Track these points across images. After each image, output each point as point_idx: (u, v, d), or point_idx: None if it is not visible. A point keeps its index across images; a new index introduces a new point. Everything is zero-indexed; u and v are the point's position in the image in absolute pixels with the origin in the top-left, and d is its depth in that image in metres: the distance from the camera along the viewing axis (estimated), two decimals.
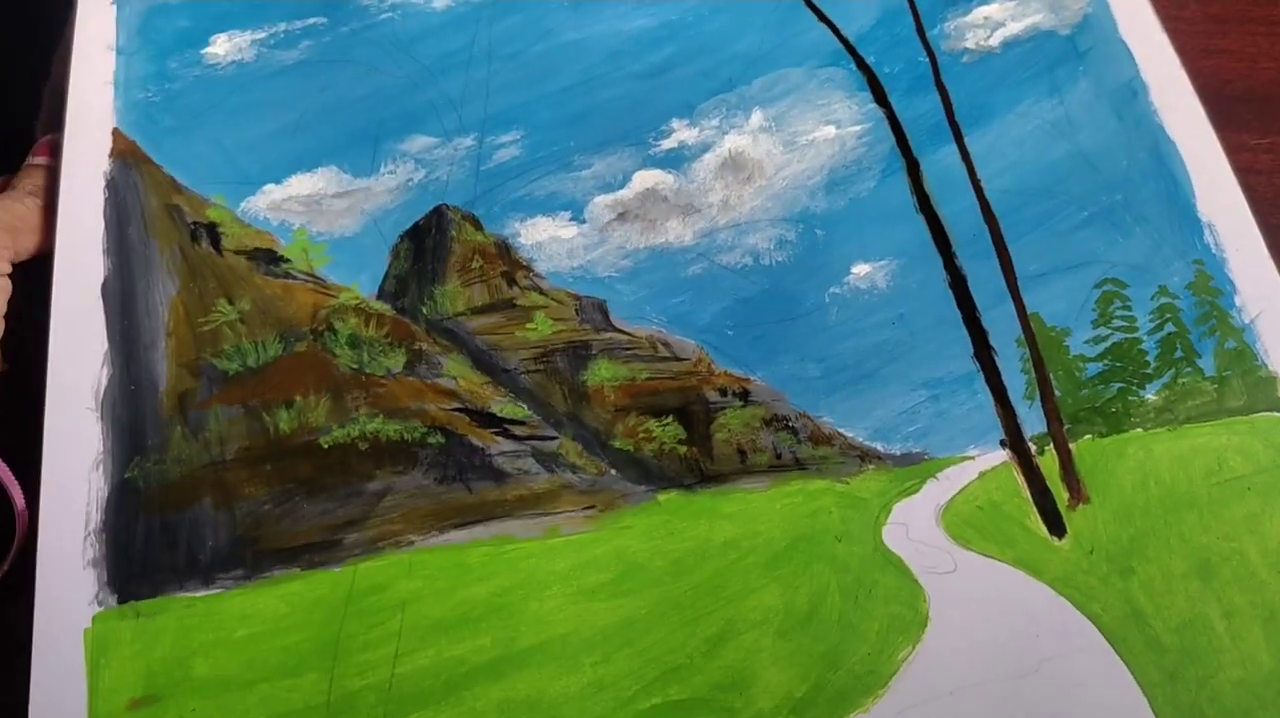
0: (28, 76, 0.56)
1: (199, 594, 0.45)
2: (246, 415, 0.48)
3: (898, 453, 0.49)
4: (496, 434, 0.49)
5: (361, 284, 0.52)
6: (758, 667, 0.45)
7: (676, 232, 0.54)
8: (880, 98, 0.58)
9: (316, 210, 0.53)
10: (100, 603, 0.44)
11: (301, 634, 0.45)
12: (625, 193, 0.55)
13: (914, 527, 0.48)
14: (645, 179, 0.55)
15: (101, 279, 0.50)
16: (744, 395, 0.50)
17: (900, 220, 0.55)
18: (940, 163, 0.56)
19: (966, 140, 0.57)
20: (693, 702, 0.44)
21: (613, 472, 0.49)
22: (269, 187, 0.54)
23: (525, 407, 0.50)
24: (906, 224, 0.55)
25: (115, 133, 0.53)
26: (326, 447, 0.48)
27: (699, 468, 0.49)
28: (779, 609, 0.46)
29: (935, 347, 0.52)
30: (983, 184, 0.56)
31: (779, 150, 0.56)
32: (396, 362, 0.50)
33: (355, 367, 0.50)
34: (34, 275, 0.49)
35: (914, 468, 0.49)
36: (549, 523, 0.47)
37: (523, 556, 0.47)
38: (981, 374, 0.51)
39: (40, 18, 0.57)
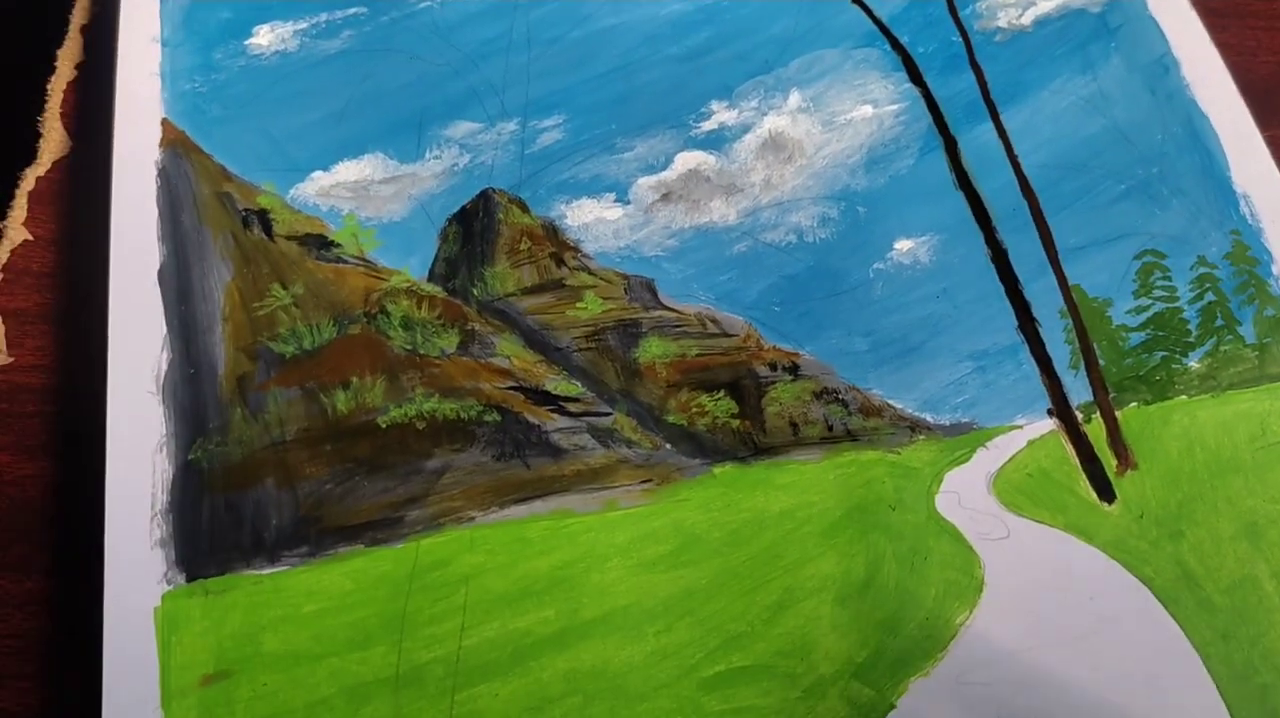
0: (29, 71, 0.57)
1: (265, 572, 0.46)
2: (304, 397, 0.49)
3: (947, 423, 0.50)
4: (552, 411, 0.49)
5: (412, 267, 0.53)
6: (818, 634, 0.46)
7: (720, 211, 0.55)
8: (916, 77, 0.59)
9: (364, 196, 0.54)
10: (169, 582, 0.45)
11: (368, 610, 0.45)
12: (668, 174, 0.56)
13: (966, 495, 0.49)
14: (687, 160, 0.56)
15: (158, 266, 0.51)
16: (793, 370, 0.51)
17: (940, 196, 0.55)
18: (977, 140, 0.57)
19: (1002, 117, 0.57)
20: (756, 668, 0.45)
21: (668, 446, 0.49)
22: (317, 173, 0.55)
23: (579, 384, 0.50)
24: (947, 200, 0.55)
25: (164, 123, 0.54)
26: (384, 426, 0.48)
27: (752, 441, 0.49)
28: (836, 577, 0.47)
29: (979, 319, 0.52)
30: (1020, 160, 0.56)
31: (818, 130, 0.57)
32: (450, 342, 0.51)
33: (409, 348, 0.50)
34: (89, 263, 0.50)
35: (963, 438, 0.50)
36: (607, 497, 0.48)
37: (582, 529, 0.47)
38: (1026, 345, 0.52)
39: (41, 13, 0.57)
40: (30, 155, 0.54)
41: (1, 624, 0.45)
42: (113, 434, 0.47)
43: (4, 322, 0.49)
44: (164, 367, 0.49)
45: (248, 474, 0.47)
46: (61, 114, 0.54)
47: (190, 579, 0.45)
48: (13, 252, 0.51)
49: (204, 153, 0.54)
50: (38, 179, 0.53)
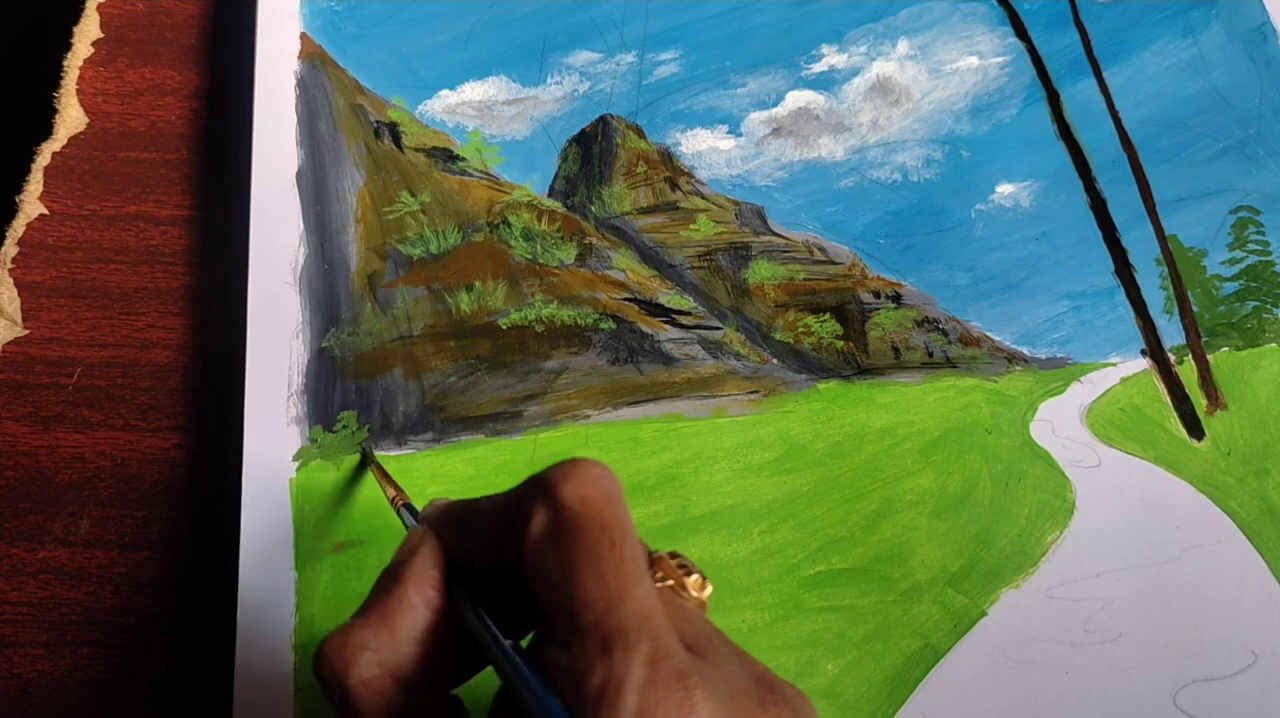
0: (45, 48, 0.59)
1: (392, 454, 0.48)
2: (430, 296, 0.51)
3: (1043, 357, 0.52)
4: (664, 323, 0.52)
5: (533, 183, 0.55)
6: (914, 543, 0.48)
7: (828, 148, 0.57)
8: (1021, 32, 0.61)
9: (488, 115, 0.57)
10: (302, 457, 0.47)
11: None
12: (779, 110, 0.58)
13: (1059, 424, 0.51)
14: (798, 99, 0.58)
15: (296, 168, 0.53)
16: (896, 298, 0.53)
17: (1042, 145, 0.57)
18: (1079, 94, 0.59)
19: (1104, 75, 0.59)
20: (854, 571, 0.47)
21: (774, 361, 0.51)
22: (444, 92, 0.57)
23: (691, 299, 0.53)
24: (1048, 149, 0.57)
25: (303, 37, 0.57)
26: (505, 328, 0.51)
27: (855, 361, 0.51)
28: (933, 492, 0.49)
29: (1077, 262, 0.54)
30: (1120, 115, 0.58)
31: (925, 77, 0.59)
32: (568, 254, 0.53)
33: (529, 257, 0.53)
34: (234, 164, 0.53)
35: (1058, 371, 0.52)
36: (716, 404, 0.50)
37: (692, 433, 0.49)
38: (1122, 289, 0.54)
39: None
40: (46, 131, 0.55)
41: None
42: (253, 319, 0.50)
43: (20, 294, 0.51)
44: (300, 260, 0.51)
45: (377, 363, 0.50)
46: (78, 90, 0.56)
47: (322, 457, 0.48)
48: (29, 225, 0.53)
49: (339, 66, 0.57)
50: (53, 154, 0.55)
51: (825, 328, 0.52)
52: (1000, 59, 0.59)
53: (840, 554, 0.47)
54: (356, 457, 0.48)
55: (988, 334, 0.52)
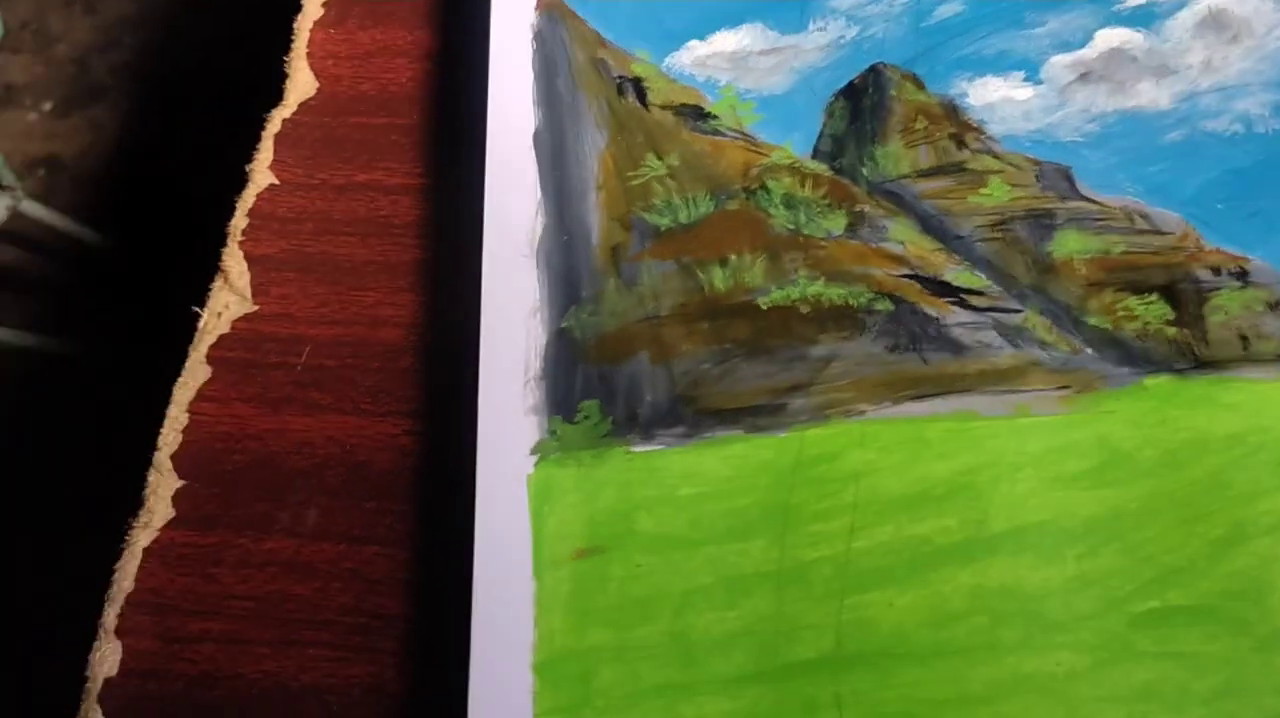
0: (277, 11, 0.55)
1: (638, 449, 0.42)
2: (680, 272, 0.45)
3: None
4: (952, 303, 0.44)
5: (794, 143, 0.48)
6: (1276, 578, 0.39)
7: (1150, 95, 0.47)
8: None
9: (743, 67, 0.50)
10: (541, 451, 0.42)
11: (748, 499, 0.41)
12: (1087, 52, 0.49)
13: None
14: (1109, 38, 0.49)
15: (533, 130, 0.48)
16: (1242, 276, 0.43)
17: None
18: None
19: None
20: (1197, 609, 0.38)
21: (1088, 350, 0.43)
22: (693, 42, 0.51)
23: (983, 276, 0.45)
24: None
25: None
26: (765, 308, 0.44)
27: (1192, 352, 0.42)
28: None
29: None
30: None
31: (1270, 7, 0.48)
32: (836, 224, 0.46)
33: (792, 227, 0.46)
34: (469, 124, 0.48)
35: None
36: (1017, 401, 0.42)
37: (988, 434, 0.42)
38: None
39: None
40: (276, 97, 0.52)
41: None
42: (488, 297, 0.45)
43: (250, 268, 0.48)
44: (539, 231, 0.46)
45: (621, 347, 0.44)
46: (308, 53, 0.53)
47: (563, 449, 0.43)
48: (258, 196, 0.49)
49: (579, 18, 0.52)
50: (283, 121, 0.51)
51: (1152, 311, 0.43)
52: None
53: (1179, 588, 0.39)
54: (597, 452, 0.42)
55: None
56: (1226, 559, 0.39)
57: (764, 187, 0.48)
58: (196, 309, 0.48)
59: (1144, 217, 0.46)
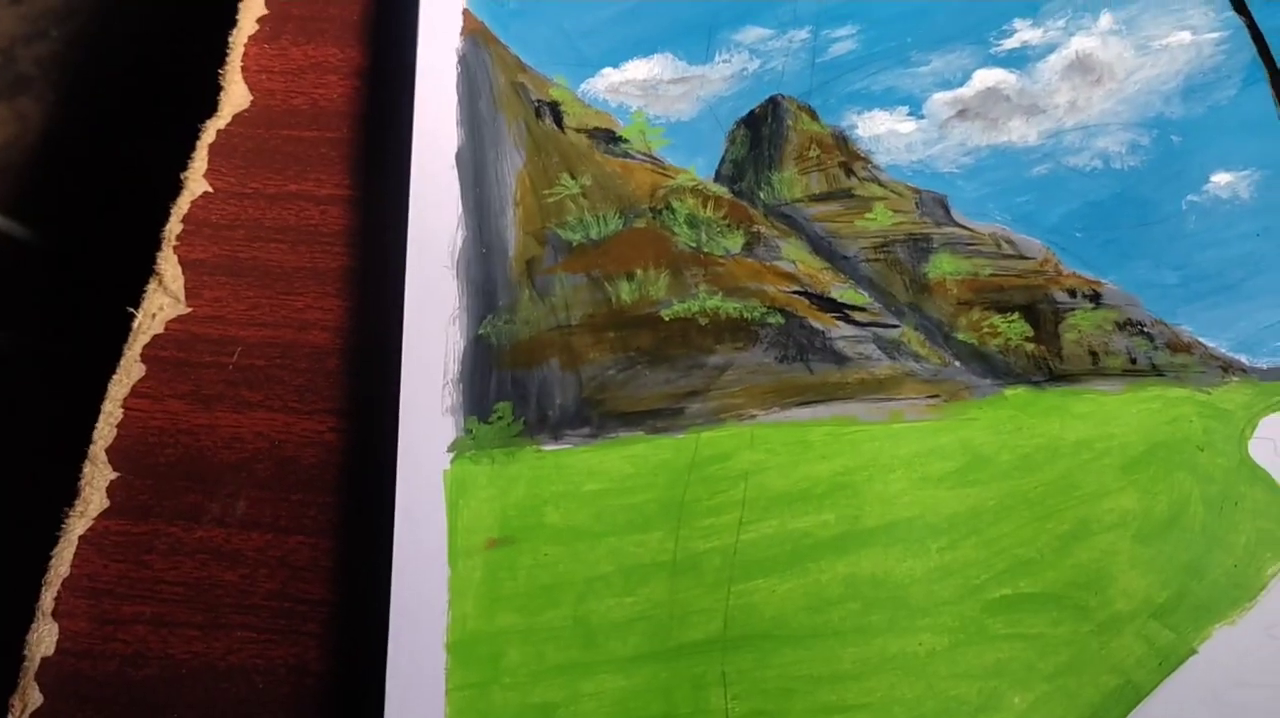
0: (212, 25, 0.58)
1: (547, 448, 0.46)
2: (590, 284, 0.49)
3: (1264, 366, 0.47)
4: (837, 318, 0.48)
5: (698, 167, 0.52)
6: (1114, 569, 0.43)
7: (1020, 131, 0.52)
8: (1239, 6, 0.55)
9: (653, 95, 0.54)
10: (457, 449, 0.46)
11: (647, 495, 0.45)
12: (965, 90, 0.53)
13: None
14: (986, 78, 0.54)
15: (455, 148, 0.51)
16: (1095, 298, 0.48)
17: (1264, 130, 0.52)
18: None
19: None
20: (1045, 597, 0.43)
21: (957, 363, 0.47)
22: (607, 70, 0.55)
23: (865, 294, 0.49)
24: (1271, 135, 0.51)
25: (465, 13, 0.55)
26: (667, 319, 0.48)
27: (1048, 366, 0.47)
28: (1137, 514, 0.44)
29: None
30: None
31: (1130, 54, 0.54)
32: (735, 243, 0.50)
33: (693, 245, 0.50)
34: (395, 143, 0.51)
35: None
36: (892, 408, 0.46)
37: (866, 438, 0.46)
38: None
39: None
40: (211, 108, 0.55)
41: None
42: (410, 304, 0.48)
43: (184, 272, 0.51)
44: (459, 243, 0.50)
45: (534, 353, 0.48)
46: (243, 67, 0.55)
47: (478, 447, 0.46)
48: (193, 203, 0.52)
49: (501, 43, 0.55)
50: (218, 132, 0.54)
51: (1014, 329, 0.48)
52: (1216, 34, 0.54)
53: (1029, 577, 0.43)
54: (510, 450, 0.46)
55: (1200, 340, 0.47)
56: (1072, 552, 0.44)
57: (669, 207, 0.52)
58: (131, 309, 0.50)
59: (1010, 242, 0.50)
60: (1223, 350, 0.47)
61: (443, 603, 0.43)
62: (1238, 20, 0.55)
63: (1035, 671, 0.42)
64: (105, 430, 0.48)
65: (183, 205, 0.53)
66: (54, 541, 0.46)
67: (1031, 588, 0.43)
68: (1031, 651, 0.43)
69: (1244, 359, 0.47)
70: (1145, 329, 0.48)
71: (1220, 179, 0.51)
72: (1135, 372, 0.47)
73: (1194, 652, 0.42)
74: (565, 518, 0.45)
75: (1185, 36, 0.54)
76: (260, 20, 0.58)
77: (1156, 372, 0.47)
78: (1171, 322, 0.48)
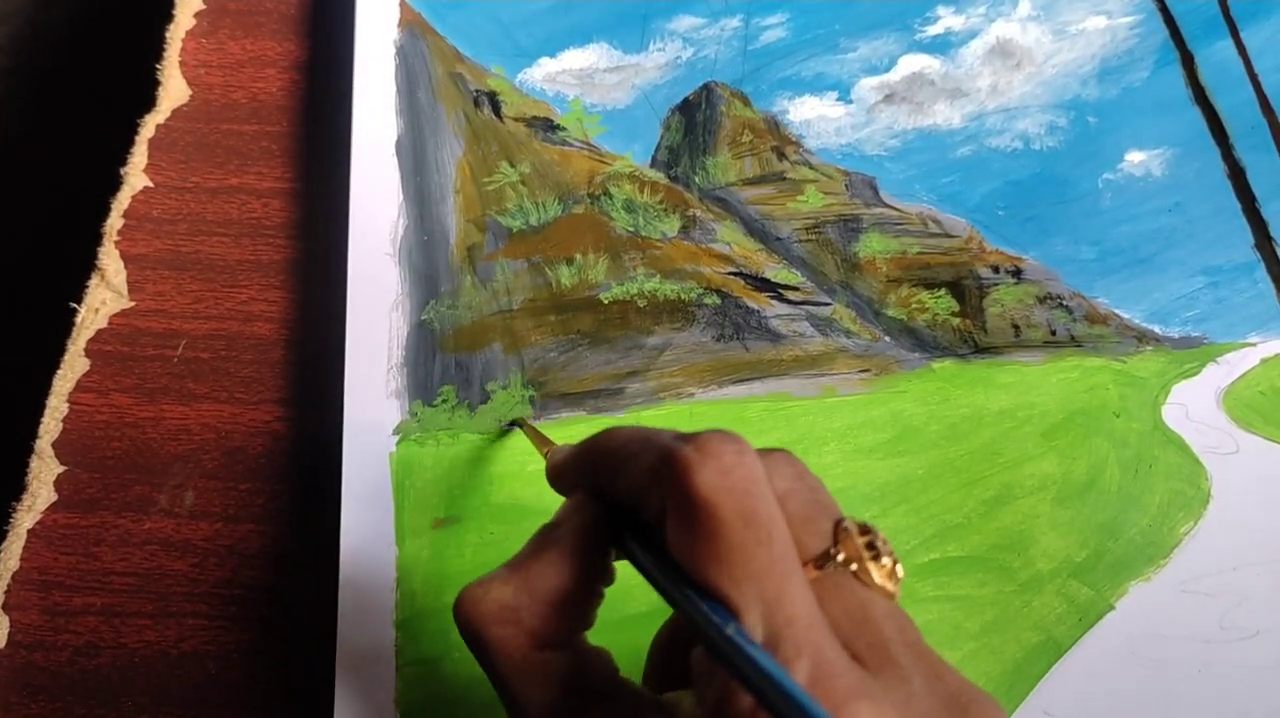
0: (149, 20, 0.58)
1: (491, 431, 0.47)
2: (530, 270, 0.50)
3: (1176, 336, 0.49)
4: (771, 298, 0.50)
5: (635, 154, 0.54)
6: (1035, 531, 0.45)
7: (944, 114, 0.54)
8: None
9: (589, 83, 0.55)
10: (403, 432, 0.47)
11: None
12: (891, 76, 0.55)
13: (1194, 408, 0.47)
14: (911, 63, 0.56)
15: (395, 138, 0.52)
16: (1017, 273, 0.50)
17: (1175, 111, 0.54)
18: (1215, 56, 0.55)
19: (1242, 34, 0.55)
20: (970, 559, 0.45)
21: (886, 339, 0.49)
22: (544, 59, 0.56)
23: (798, 274, 0.51)
24: (1182, 114, 0.54)
25: (402, 5, 0.56)
26: (606, 302, 0.50)
27: (973, 340, 0.49)
28: (1056, 478, 0.46)
29: (1214, 235, 0.51)
30: (1260, 77, 0.54)
31: (1048, 39, 0.56)
32: (671, 226, 0.51)
33: (631, 229, 0.51)
34: (334, 134, 0.52)
35: (1193, 351, 0.49)
36: (825, 383, 0.48)
37: (800, 413, 0.48)
38: (1263, 264, 0.50)
39: None
40: (149, 103, 0.55)
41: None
42: (353, 291, 0.49)
43: (126, 267, 0.51)
44: (400, 232, 0.51)
45: (476, 337, 0.49)
46: (181, 61, 0.56)
47: (422, 430, 0.47)
48: (133, 198, 0.53)
49: (439, 34, 0.56)
50: (157, 127, 0.54)
51: (940, 304, 0.50)
52: (1130, 19, 0.56)
53: (956, 542, 0.45)
54: (455, 434, 0.47)
55: (1116, 312, 0.49)
56: (996, 517, 0.46)
57: (607, 193, 0.53)
58: (74, 304, 0.51)
59: (936, 221, 0.52)
60: (1137, 321, 0.50)
61: (391, 583, 0.44)
62: (1151, 5, 0.57)
63: (962, 630, 0.44)
64: (51, 425, 0.48)
65: (123, 200, 0.53)
66: (2, 535, 0.46)
67: (958, 552, 0.45)
68: (959, 611, 0.45)
69: (1157, 329, 0.49)
70: (1064, 302, 0.50)
71: (1134, 158, 0.53)
72: (1055, 343, 0.49)
73: (1112, 608, 0.44)
74: (509, 497, 0.46)
75: (1101, 21, 0.56)
76: (197, 15, 0.58)
77: (1075, 343, 0.49)
78: (1089, 295, 0.50)
